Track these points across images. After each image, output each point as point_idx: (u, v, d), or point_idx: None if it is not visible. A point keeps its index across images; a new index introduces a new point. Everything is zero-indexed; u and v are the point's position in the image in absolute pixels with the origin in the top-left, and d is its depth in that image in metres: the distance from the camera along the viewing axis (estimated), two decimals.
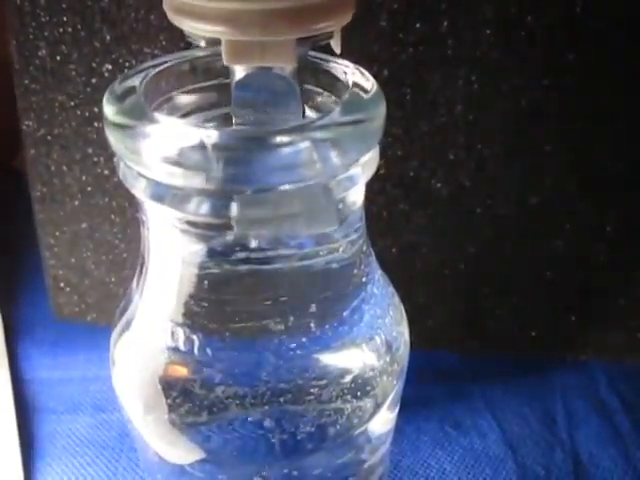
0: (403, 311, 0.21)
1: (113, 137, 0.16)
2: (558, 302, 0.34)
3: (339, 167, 0.16)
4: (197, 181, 0.15)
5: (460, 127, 0.30)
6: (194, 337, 0.17)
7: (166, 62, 0.18)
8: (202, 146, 0.14)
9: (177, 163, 0.15)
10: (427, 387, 0.34)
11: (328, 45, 0.18)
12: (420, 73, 0.29)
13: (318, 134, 0.15)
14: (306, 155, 0.15)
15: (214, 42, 0.16)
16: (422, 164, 0.31)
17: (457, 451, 0.31)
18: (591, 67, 0.28)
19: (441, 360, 0.35)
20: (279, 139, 0.15)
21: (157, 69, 0.18)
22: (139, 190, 0.16)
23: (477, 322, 0.35)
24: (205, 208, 0.15)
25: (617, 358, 0.35)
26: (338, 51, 0.19)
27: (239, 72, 0.17)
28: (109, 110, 0.16)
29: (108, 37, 0.30)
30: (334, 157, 0.16)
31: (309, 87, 0.19)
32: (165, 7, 0.16)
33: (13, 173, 0.43)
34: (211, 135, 0.15)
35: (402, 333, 0.21)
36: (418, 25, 0.28)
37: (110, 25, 0.29)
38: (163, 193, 0.15)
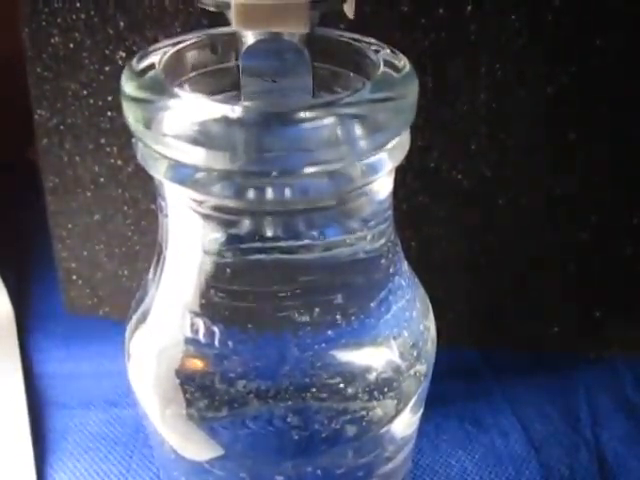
0: (429, 303, 0.20)
1: (132, 113, 0.15)
2: (582, 297, 0.33)
3: (366, 149, 0.15)
4: (220, 160, 0.14)
5: (483, 116, 0.29)
6: (215, 328, 0.17)
7: (185, 40, 0.17)
8: (226, 122, 0.14)
9: (199, 140, 0.14)
10: (446, 384, 0.33)
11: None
12: (442, 60, 0.28)
13: (346, 110, 0.14)
14: (332, 133, 0.14)
15: (224, 6, 0.15)
16: (443, 154, 0.30)
17: (478, 450, 0.30)
18: (619, 53, 0.27)
19: (461, 356, 0.34)
20: (306, 115, 0.14)
21: (176, 47, 0.17)
22: (159, 172, 0.15)
23: (498, 317, 0.34)
24: (228, 190, 0.14)
25: None
26: (351, 17, 0.18)
27: (248, 39, 0.16)
28: (128, 86, 0.15)
29: (122, 23, 0.29)
30: (361, 137, 0.15)
31: (338, 68, 0.18)
32: None
33: (25, 164, 0.43)
34: (236, 111, 0.14)
35: (428, 328, 0.20)
36: (441, 10, 0.27)
37: (124, 11, 0.29)
38: (184, 174, 0.15)
